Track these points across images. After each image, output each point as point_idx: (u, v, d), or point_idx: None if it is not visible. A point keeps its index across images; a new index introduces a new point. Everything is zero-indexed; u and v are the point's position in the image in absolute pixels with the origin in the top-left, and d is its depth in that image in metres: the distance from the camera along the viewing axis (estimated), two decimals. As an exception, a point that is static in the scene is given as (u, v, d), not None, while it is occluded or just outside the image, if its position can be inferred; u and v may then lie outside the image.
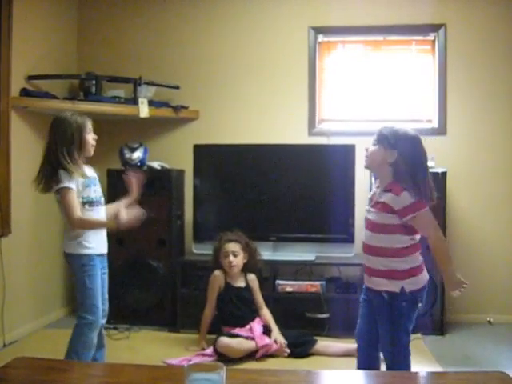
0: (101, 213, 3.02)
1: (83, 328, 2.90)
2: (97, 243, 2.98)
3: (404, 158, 2.51)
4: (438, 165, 4.25)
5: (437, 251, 2.53)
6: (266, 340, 3.63)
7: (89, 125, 2.98)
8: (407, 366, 2.57)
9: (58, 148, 2.88)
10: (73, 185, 2.86)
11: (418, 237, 2.58)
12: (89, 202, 2.94)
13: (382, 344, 2.60)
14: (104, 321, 3.06)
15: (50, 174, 2.88)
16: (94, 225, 2.97)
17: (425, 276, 2.59)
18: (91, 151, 3.01)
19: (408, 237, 2.53)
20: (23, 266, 4.15)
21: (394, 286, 2.51)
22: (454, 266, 2.54)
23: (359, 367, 2.69)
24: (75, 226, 2.89)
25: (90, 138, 2.99)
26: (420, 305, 2.55)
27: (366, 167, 2.70)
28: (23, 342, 3.94)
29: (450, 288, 2.55)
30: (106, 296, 3.08)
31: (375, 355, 2.69)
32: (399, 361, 2.56)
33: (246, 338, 3.60)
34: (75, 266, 2.94)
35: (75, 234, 2.92)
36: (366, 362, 2.69)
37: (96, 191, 3.01)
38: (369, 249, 2.59)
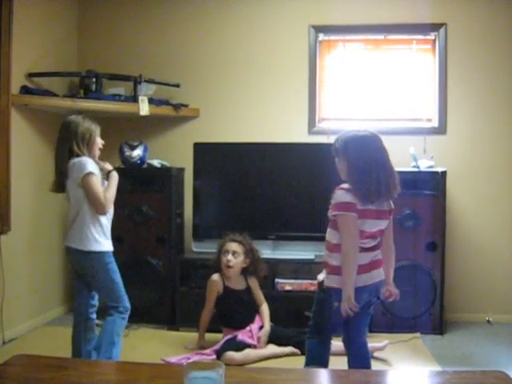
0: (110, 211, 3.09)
1: (122, 312, 3.07)
2: (110, 241, 3.08)
3: (352, 159, 2.62)
4: (438, 164, 4.26)
5: (343, 260, 2.57)
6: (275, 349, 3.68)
7: (98, 130, 3.09)
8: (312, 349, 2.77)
9: (70, 146, 2.97)
10: (96, 171, 2.97)
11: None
12: None
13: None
14: (94, 316, 3.15)
15: (66, 168, 2.96)
16: (112, 191, 3.04)
17: (360, 279, 2.62)
18: (97, 155, 3.12)
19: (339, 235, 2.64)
20: (23, 263, 4.15)
21: (326, 279, 2.68)
22: (351, 287, 2.54)
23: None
24: (106, 207, 2.97)
25: (100, 142, 3.10)
26: (336, 304, 2.61)
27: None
28: (23, 339, 3.94)
29: (343, 306, 2.55)
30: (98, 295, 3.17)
31: (362, 352, 2.80)
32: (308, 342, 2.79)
33: (250, 345, 3.60)
34: (98, 265, 2.99)
35: (94, 232, 2.97)
36: (354, 361, 2.77)
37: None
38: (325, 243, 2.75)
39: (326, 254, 2.70)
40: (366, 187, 2.57)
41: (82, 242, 2.97)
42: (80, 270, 3.10)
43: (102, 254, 2.99)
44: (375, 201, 2.60)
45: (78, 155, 2.95)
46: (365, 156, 2.61)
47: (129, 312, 3.13)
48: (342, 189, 2.61)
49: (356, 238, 2.57)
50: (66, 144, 2.98)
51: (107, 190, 3.01)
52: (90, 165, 2.94)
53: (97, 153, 3.10)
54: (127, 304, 3.11)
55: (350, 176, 2.62)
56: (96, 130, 3.07)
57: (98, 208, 2.96)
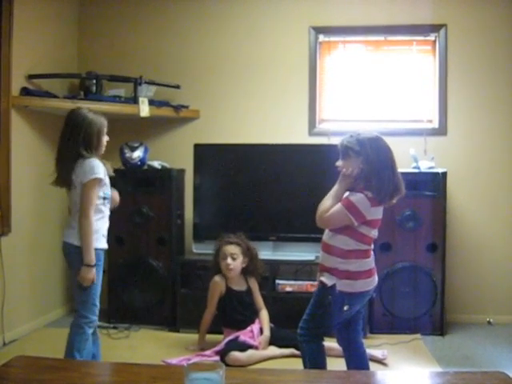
0: (108, 209, 3.02)
1: (83, 326, 2.90)
2: (104, 238, 2.98)
3: (369, 161, 2.62)
4: (438, 165, 4.26)
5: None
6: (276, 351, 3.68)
7: (106, 126, 2.99)
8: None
9: (77, 144, 2.86)
10: (104, 175, 2.88)
11: (365, 246, 2.68)
12: (105, 199, 2.94)
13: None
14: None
15: (72, 167, 2.86)
16: (88, 236, 2.85)
17: (364, 283, 2.68)
18: (103, 151, 3.05)
19: (354, 241, 2.65)
20: (23, 264, 4.15)
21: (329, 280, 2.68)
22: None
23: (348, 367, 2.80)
24: (83, 222, 2.83)
25: (105, 139, 3.01)
26: (346, 308, 2.66)
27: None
28: (23, 340, 3.94)
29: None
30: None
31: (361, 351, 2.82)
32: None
33: (251, 346, 3.60)
34: (80, 263, 2.86)
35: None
36: (352, 362, 2.80)
37: (110, 188, 3.01)
38: (327, 247, 2.74)
39: (335, 260, 2.68)
40: (383, 184, 2.60)
41: (71, 236, 2.89)
42: (67, 265, 3.02)
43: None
44: (387, 202, 2.65)
45: (86, 156, 2.86)
46: (382, 154, 2.65)
47: (94, 326, 2.98)
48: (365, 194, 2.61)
49: (334, 215, 2.74)
50: (74, 144, 2.86)
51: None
52: (100, 169, 2.85)
53: (103, 150, 3.02)
54: (95, 317, 2.94)
55: (366, 175, 2.62)
56: (104, 127, 2.95)
57: (81, 217, 2.85)
